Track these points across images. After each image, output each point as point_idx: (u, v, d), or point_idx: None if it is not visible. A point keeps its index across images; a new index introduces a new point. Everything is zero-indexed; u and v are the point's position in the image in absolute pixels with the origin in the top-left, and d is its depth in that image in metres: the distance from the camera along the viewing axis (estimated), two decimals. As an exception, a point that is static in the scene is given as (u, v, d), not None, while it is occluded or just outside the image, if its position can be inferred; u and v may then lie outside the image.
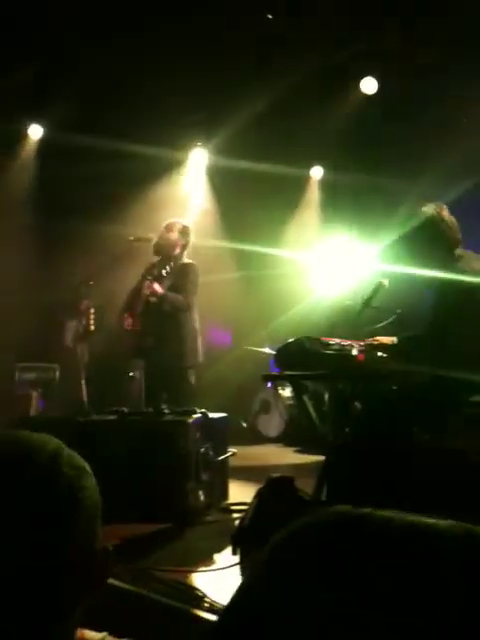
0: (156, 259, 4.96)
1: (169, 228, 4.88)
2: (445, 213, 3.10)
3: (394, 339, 3.27)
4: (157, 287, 4.62)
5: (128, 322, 4.82)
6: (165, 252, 4.84)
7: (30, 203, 7.65)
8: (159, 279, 4.73)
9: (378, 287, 3.58)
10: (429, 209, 3.11)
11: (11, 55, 6.35)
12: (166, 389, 4.71)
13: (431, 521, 0.45)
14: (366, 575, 0.41)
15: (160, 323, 4.69)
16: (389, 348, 3.19)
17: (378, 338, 3.26)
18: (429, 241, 3.12)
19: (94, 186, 7.63)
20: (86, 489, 0.81)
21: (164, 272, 4.66)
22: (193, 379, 4.77)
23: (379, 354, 3.20)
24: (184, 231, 4.88)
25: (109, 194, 7.58)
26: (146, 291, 4.65)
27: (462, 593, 0.40)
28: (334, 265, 7.88)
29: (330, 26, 5.92)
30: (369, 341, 3.22)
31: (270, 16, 6.09)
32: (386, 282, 3.58)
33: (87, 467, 0.84)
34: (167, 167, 8.03)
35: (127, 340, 4.88)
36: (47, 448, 0.80)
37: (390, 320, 3.61)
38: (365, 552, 0.42)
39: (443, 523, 0.44)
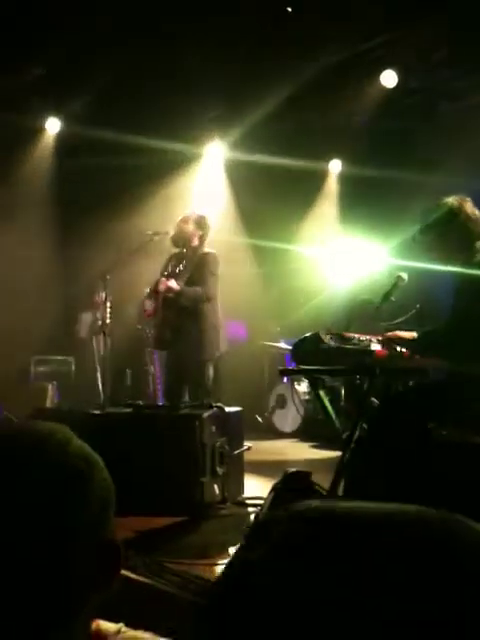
0: (174, 251, 4.95)
1: (185, 220, 4.87)
2: (468, 205, 3.03)
3: (414, 334, 3.24)
4: (172, 283, 4.61)
5: (148, 310, 4.84)
6: (182, 244, 4.84)
7: (47, 197, 7.69)
8: (175, 275, 4.73)
9: (397, 281, 3.54)
10: (450, 200, 3.05)
11: (29, 49, 6.37)
12: (186, 382, 4.71)
13: (397, 508, 0.44)
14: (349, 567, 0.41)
15: (179, 315, 4.69)
16: (407, 343, 3.15)
17: (398, 333, 3.22)
18: (448, 233, 3.06)
19: (111, 180, 7.65)
20: (94, 480, 0.80)
21: (179, 269, 4.65)
22: (211, 371, 4.75)
23: (397, 349, 3.17)
24: (200, 221, 4.86)
25: (126, 188, 7.60)
26: (161, 288, 4.65)
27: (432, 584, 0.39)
28: (351, 259, 7.83)
29: (350, 18, 5.86)
30: (389, 335, 3.18)
31: (289, 9, 6.05)
32: (405, 276, 3.55)
33: (97, 458, 0.83)
34: (184, 161, 8.03)
35: (148, 332, 4.90)
36: (56, 438, 0.80)
37: (410, 314, 3.57)
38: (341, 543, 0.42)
39: (411, 509, 0.44)
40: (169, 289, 4.61)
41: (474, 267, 2.92)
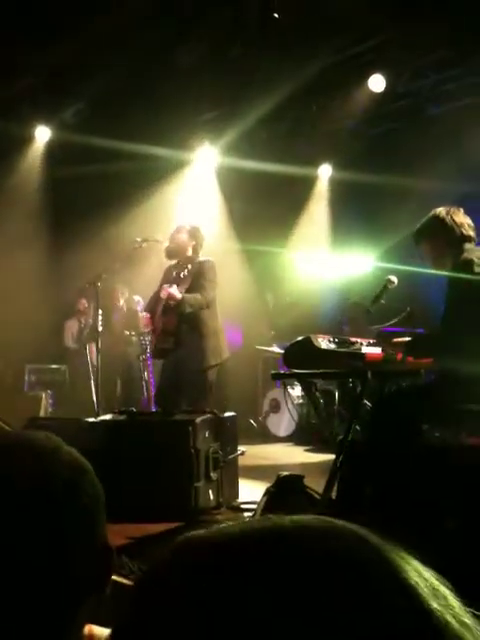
0: (170, 263, 4.96)
1: (178, 231, 4.88)
2: (457, 214, 3.12)
3: (415, 335, 3.27)
4: (174, 291, 4.62)
5: (148, 322, 4.86)
6: (177, 255, 4.85)
7: (37, 205, 7.68)
8: (177, 282, 4.74)
9: (386, 284, 3.57)
10: (439, 210, 3.14)
11: (18, 57, 6.37)
12: (183, 389, 4.70)
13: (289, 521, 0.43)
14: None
15: (179, 323, 4.69)
16: (399, 345, 3.17)
17: (397, 340, 3.23)
18: (437, 240, 3.13)
19: (102, 187, 7.65)
20: (83, 487, 0.80)
21: (182, 275, 4.65)
22: (214, 377, 4.75)
23: (389, 352, 3.18)
24: (193, 232, 4.87)
25: (117, 195, 7.60)
26: (163, 295, 4.66)
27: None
28: (342, 263, 7.86)
29: (339, 23, 5.90)
30: (397, 341, 3.19)
31: (276, 15, 6.08)
32: (394, 279, 3.58)
33: (86, 465, 0.84)
34: (175, 167, 8.04)
35: (142, 340, 4.90)
36: (43, 445, 0.80)
37: (401, 317, 3.60)
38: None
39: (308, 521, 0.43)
40: (171, 297, 4.62)
41: (459, 268, 2.97)
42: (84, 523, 0.79)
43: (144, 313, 4.94)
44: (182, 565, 0.43)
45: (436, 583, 0.42)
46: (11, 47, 6.14)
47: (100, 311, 5.12)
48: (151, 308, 4.91)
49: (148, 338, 4.96)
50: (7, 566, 0.73)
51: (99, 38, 6.01)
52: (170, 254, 4.86)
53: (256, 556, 0.41)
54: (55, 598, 0.75)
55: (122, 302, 7.53)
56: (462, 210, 3.19)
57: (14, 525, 0.74)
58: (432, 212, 3.19)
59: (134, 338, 7.00)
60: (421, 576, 0.41)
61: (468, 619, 0.41)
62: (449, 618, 0.39)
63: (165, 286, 4.68)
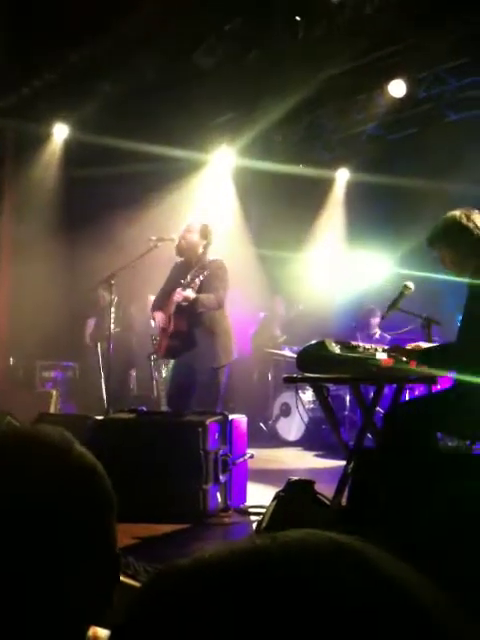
0: (179, 259, 4.95)
1: (189, 229, 4.86)
2: (475, 216, 3.01)
3: (424, 345, 3.19)
4: (188, 293, 4.61)
5: (158, 319, 4.84)
6: (187, 254, 4.83)
7: (54, 203, 7.70)
8: (183, 284, 4.72)
9: (403, 291, 3.53)
10: (456, 212, 3.03)
11: (39, 56, 6.40)
12: (194, 390, 4.68)
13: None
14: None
15: (191, 324, 4.68)
16: (413, 353, 3.12)
17: (420, 344, 3.17)
18: (456, 245, 3.04)
19: (119, 187, 7.67)
20: (94, 489, 0.78)
21: (198, 280, 4.63)
22: (224, 378, 4.73)
23: (403, 359, 3.14)
24: (204, 230, 4.85)
25: (133, 195, 7.61)
26: (177, 298, 4.65)
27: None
28: (358, 268, 7.82)
29: (360, 28, 5.87)
30: (411, 346, 3.13)
31: (298, 18, 6.06)
32: (411, 286, 3.53)
33: (98, 466, 0.81)
34: (192, 168, 8.04)
35: (161, 341, 4.88)
36: (56, 445, 0.78)
37: (417, 323, 3.55)
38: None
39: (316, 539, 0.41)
40: (185, 299, 4.61)
41: None
42: (94, 527, 0.77)
43: (158, 316, 4.91)
44: (158, 602, 0.42)
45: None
46: (32, 46, 6.18)
47: (113, 309, 5.11)
48: (159, 305, 4.89)
49: (158, 337, 4.94)
50: (12, 570, 0.71)
51: (119, 39, 6.02)
52: (180, 252, 4.85)
53: (229, 587, 0.40)
54: (59, 604, 0.73)
55: (133, 303, 7.54)
56: (477, 211, 3.07)
57: (19, 531, 0.72)
58: (448, 214, 3.07)
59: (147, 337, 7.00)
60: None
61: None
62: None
63: (178, 290, 4.66)
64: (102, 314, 6.79)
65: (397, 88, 6.62)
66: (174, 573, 0.43)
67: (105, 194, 7.62)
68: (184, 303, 4.62)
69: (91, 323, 7.87)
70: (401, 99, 6.69)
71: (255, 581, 0.39)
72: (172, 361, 5.08)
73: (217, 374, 4.64)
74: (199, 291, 4.63)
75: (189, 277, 4.73)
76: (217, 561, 0.42)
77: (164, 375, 6.02)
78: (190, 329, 4.69)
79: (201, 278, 4.64)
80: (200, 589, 0.40)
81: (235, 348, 4.84)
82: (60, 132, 7.74)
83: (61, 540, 0.74)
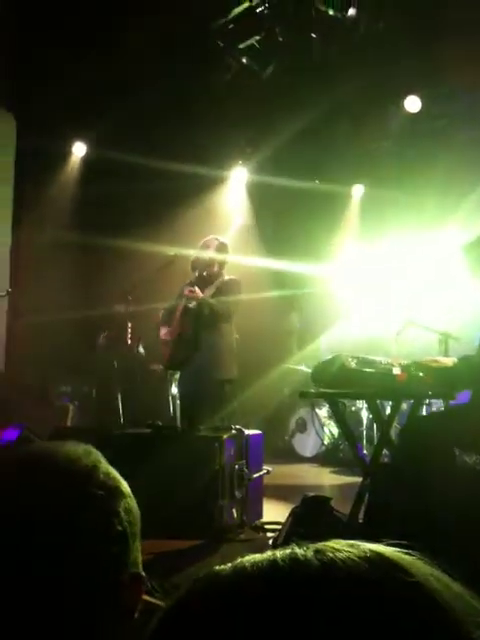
0: (194, 276, 4.94)
1: (206, 245, 4.86)
2: None
3: (454, 360, 3.16)
4: (197, 290, 4.60)
5: (163, 334, 4.83)
6: (201, 269, 4.82)
7: (72, 220, 7.77)
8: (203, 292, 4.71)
9: (406, 324, 3.51)
10: None
11: (56, 73, 6.49)
12: (204, 402, 4.66)
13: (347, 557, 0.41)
14: None
15: (197, 333, 4.66)
16: (431, 369, 3.09)
17: (438, 359, 3.14)
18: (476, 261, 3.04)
19: (136, 203, 7.72)
20: (118, 510, 0.76)
21: (209, 291, 4.63)
22: (230, 392, 4.71)
23: (421, 374, 3.11)
24: (221, 248, 4.84)
25: (150, 211, 7.66)
26: (186, 293, 4.62)
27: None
28: (373, 282, 7.79)
29: (375, 44, 5.90)
30: (427, 360, 3.10)
31: (314, 35, 6.10)
32: (415, 320, 3.50)
33: (124, 485, 0.79)
34: (208, 185, 8.09)
35: (165, 351, 4.86)
36: (82, 463, 0.76)
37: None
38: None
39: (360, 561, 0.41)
40: (194, 296, 4.58)
41: None
42: (118, 548, 0.75)
43: (163, 330, 4.88)
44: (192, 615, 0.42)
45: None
46: (50, 62, 6.27)
47: (130, 324, 5.13)
48: (165, 321, 4.88)
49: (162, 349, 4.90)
50: (35, 591, 0.69)
51: (136, 56, 6.10)
52: (195, 267, 4.84)
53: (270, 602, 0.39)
54: (81, 623, 0.72)
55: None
56: None
57: (42, 552, 0.70)
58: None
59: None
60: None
61: None
62: None
63: (187, 287, 4.66)
64: (118, 329, 6.82)
65: (412, 104, 6.63)
66: (214, 582, 0.43)
67: (122, 211, 7.68)
68: (191, 303, 4.60)
69: (107, 337, 7.89)
70: (416, 115, 6.71)
71: (297, 599, 0.39)
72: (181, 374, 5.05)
73: (223, 386, 4.61)
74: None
75: (203, 289, 4.74)
76: (258, 573, 0.42)
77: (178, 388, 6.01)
78: (195, 332, 4.66)
79: (213, 290, 4.64)
80: (241, 603, 0.40)
81: (236, 367, 4.77)
82: (79, 150, 7.84)
83: (83, 564, 0.72)
